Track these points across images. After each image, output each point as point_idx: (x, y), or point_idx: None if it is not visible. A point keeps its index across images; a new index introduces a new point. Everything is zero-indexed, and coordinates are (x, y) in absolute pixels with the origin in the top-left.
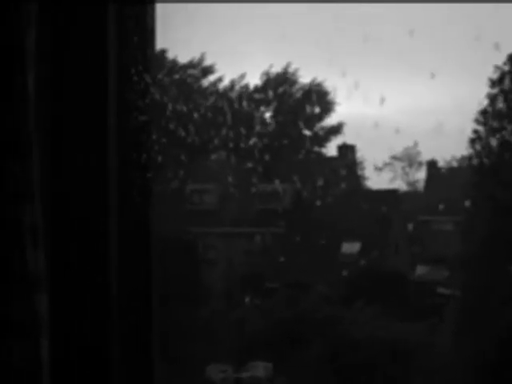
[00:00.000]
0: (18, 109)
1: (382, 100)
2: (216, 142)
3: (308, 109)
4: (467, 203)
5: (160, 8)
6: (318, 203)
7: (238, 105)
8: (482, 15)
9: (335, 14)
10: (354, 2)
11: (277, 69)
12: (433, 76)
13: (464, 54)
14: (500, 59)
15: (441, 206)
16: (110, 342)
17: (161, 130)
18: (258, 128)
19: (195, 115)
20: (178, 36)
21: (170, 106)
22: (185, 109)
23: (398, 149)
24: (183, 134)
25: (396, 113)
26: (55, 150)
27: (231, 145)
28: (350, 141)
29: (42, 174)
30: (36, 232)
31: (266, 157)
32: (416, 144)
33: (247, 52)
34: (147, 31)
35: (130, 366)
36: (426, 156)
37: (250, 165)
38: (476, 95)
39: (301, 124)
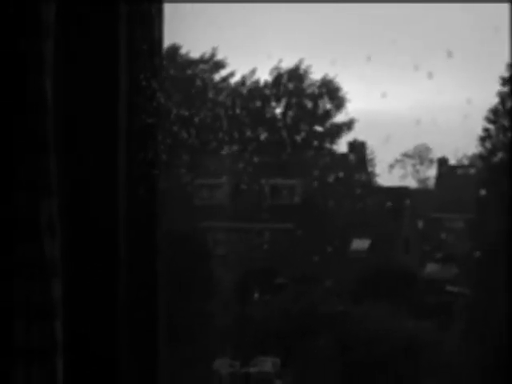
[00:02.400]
0: (36, 110)
1: (384, 95)
2: (226, 136)
3: (319, 105)
4: (477, 201)
5: (172, 4)
6: (329, 199)
7: (248, 100)
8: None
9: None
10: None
11: (288, 64)
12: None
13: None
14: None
15: (451, 204)
16: (117, 326)
17: (165, 132)
18: (268, 124)
19: (196, 119)
20: (191, 31)
21: (174, 111)
22: (187, 113)
23: (409, 146)
24: (185, 136)
25: (405, 110)
26: (70, 148)
27: (241, 139)
28: (360, 137)
29: (58, 170)
30: (52, 222)
31: (277, 153)
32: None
33: (259, 47)
34: (155, 40)
35: (137, 352)
36: (437, 153)
37: (260, 160)
38: (487, 93)
39: (312, 120)
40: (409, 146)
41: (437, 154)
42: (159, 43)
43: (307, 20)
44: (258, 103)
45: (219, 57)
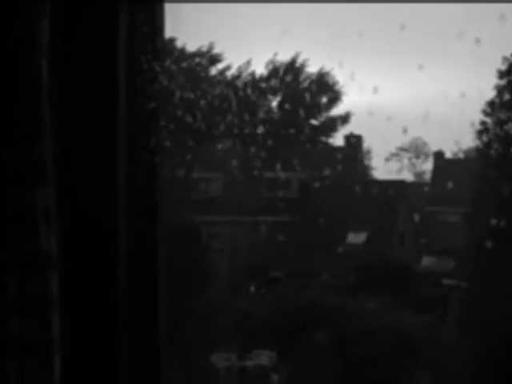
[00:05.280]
0: (32, 95)
1: (376, 90)
2: (222, 128)
3: (315, 98)
4: (474, 194)
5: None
6: (325, 193)
7: (243, 93)
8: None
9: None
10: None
11: (285, 57)
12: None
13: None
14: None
15: (447, 197)
16: (117, 319)
17: (169, 116)
18: (264, 117)
19: (202, 102)
20: (187, 24)
21: (177, 94)
22: (192, 96)
23: (405, 140)
24: (190, 120)
25: (401, 104)
26: (68, 134)
27: (237, 132)
28: (356, 131)
29: (56, 158)
30: (49, 212)
31: (273, 146)
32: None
33: (255, 40)
34: (156, 21)
35: (137, 346)
36: (433, 147)
37: (256, 154)
38: (483, 87)
39: (308, 113)
40: (405, 139)
41: (433, 147)
42: (161, 24)
43: (303, 12)
44: (254, 96)
45: (216, 50)
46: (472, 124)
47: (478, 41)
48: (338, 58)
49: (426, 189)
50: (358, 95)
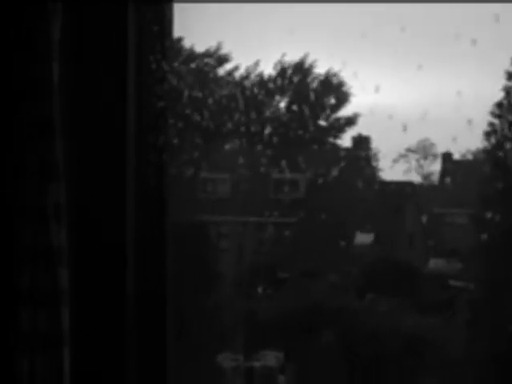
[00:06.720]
0: (43, 95)
1: (388, 89)
2: (229, 126)
3: (323, 99)
4: (482, 196)
5: None
6: (332, 193)
7: (251, 93)
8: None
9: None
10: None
11: (293, 58)
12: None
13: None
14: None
15: (455, 199)
16: (125, 314)
17: (177, 115)
18: (271, 116)
19: (210, 101)
20: (195, 24)
21: (186, 93)
22: (200, 95)
23: (412, 141)
24: (198, 118)
25: (409, 105)
26: (77, 134)
27: (244, 131)
28: (364, 132)
29: (66, 157)
30: (59, 209)
31: (280, 146)
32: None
33: (264, 40)
34: (165, 21)
35: (145, 342)
36: (440, 148)
37: (263, 155)
38: (494, 87)
39: (316, 114)
40: (412, 140)
41: (440, 148)
42: (169, 24)
43: (309, 15)
44: (262, 97)
45: (224, 51)
46: (469, 122)
47: (474, 42)
48: (342, 58)
49: (433, 190)
50: (361, 95)
